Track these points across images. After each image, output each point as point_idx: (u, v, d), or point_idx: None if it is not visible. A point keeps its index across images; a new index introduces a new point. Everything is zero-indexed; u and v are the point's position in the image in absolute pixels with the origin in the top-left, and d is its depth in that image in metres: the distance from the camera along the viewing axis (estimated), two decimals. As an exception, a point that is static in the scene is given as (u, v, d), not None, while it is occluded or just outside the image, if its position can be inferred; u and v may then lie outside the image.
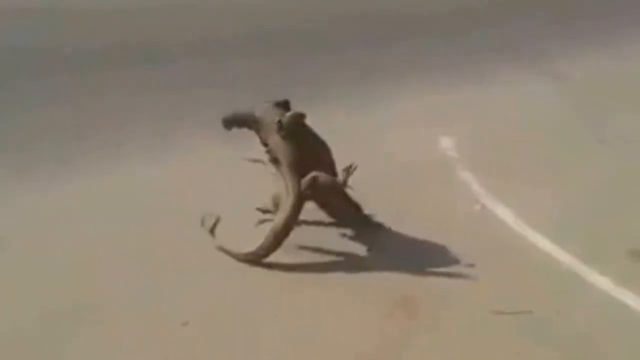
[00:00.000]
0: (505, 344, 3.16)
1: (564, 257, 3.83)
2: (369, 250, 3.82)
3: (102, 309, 3.22)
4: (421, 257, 3.79)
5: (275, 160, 3.79)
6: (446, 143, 5.25)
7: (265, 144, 3.88)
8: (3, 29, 6.98)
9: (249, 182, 4.21)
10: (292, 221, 3.62)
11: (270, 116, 3.81)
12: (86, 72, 6.02)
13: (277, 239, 3.57)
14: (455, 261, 3.76)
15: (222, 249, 3.65)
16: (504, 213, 4.28)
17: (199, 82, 5.98)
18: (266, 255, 3.58)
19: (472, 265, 3.70)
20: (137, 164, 4.59)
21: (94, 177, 4.37)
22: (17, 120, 5.06)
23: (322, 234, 3.92)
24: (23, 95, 5.50)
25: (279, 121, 3.72)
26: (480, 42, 8.01)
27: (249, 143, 4.06)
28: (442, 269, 3.69)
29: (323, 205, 3.93)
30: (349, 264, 3.69)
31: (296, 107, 3.89)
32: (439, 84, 6.44)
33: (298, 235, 3.73)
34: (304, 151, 3.73)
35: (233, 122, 3.99)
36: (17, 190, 4.18)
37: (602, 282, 3.62)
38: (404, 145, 5.12)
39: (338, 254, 3.77)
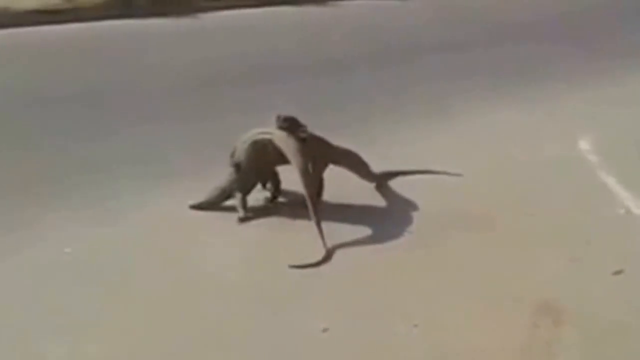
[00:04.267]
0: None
1: None
2: (503, 256, 3.73)
3: (242, 316, 3.26)
4: (562, 261, 3.68)
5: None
6: (585, 145, 5.09)
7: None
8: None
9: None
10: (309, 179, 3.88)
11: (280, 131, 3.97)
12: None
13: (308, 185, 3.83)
14: (598, 265, 3.64)
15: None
16: (651, 217, 4.12)
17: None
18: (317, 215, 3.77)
19: (618, 271, 3.56)
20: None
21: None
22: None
23: (449, 245, 3.85)
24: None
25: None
26: (616, 44, 7.77)
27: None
28: (584, 273, 3.58)
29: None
30: (485, 271, 3.62)
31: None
32: (577, 85, 6.27)
33: (427, 245, 3.75)
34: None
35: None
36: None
37: None
38: (543, 147, 5.00)
39: (472, 261, 3.71)
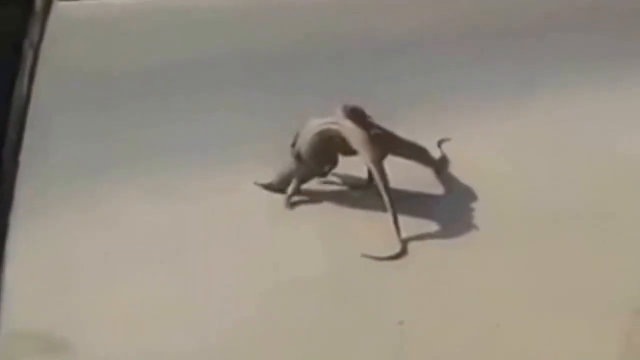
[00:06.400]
0: None
1: None
2: (589, 256, 3.48)
3: (314, 305, 3.17)
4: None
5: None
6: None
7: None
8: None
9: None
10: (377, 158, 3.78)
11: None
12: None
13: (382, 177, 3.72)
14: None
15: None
16: None
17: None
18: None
19: None
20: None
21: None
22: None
23: (532, 241, 3.60)
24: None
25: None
26: None
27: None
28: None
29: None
30: (572, 272, 3.39)
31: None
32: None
33: (505, 239, 3.54)
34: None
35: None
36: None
37: None
38: (628, 135, 4.57)
39: (558, 261, 3.46)
